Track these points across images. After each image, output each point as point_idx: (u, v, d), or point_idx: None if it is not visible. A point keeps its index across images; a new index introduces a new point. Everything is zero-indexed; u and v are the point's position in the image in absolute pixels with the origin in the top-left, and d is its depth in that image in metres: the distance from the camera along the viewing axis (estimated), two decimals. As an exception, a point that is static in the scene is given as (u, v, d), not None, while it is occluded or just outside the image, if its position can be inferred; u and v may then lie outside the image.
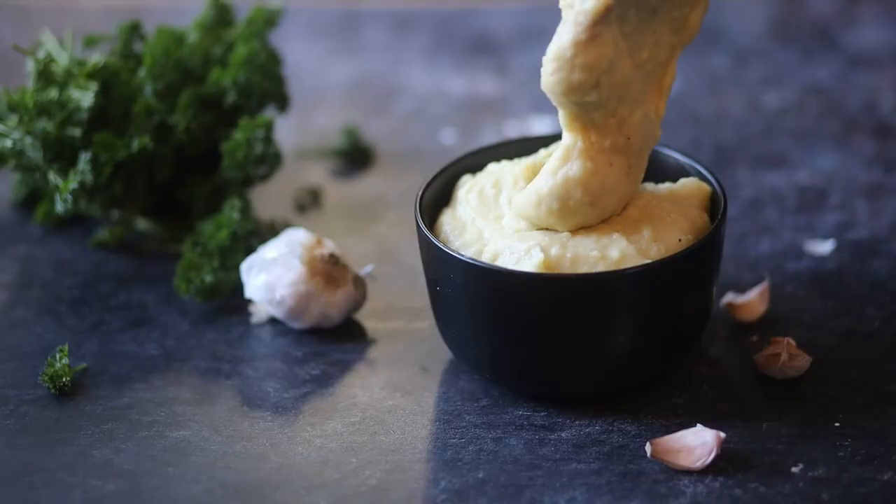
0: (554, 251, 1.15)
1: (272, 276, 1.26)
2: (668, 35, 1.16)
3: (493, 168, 1.24)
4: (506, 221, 1.18)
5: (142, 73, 1.38)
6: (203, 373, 1.24)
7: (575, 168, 1.15)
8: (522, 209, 1.17)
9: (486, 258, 1.16)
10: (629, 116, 1.15)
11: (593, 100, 1.13)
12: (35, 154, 1.32)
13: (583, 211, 1.16)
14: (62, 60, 1.35)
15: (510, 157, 1.26)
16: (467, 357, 1.20)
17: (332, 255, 1.28)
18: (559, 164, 1.16)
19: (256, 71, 1.38)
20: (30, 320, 1.30)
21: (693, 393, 1.20)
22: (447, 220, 1.21)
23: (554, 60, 1.12)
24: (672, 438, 1.14)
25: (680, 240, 1.17)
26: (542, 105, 1.60)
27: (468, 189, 1.22)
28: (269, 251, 1.28)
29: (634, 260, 1.15)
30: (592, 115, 1.14)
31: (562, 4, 1.13)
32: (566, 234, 1.16)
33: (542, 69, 1.13)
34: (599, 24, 1.11)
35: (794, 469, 1.13)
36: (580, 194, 1.15)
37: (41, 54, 1.35)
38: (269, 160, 1.35)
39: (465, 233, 1.19)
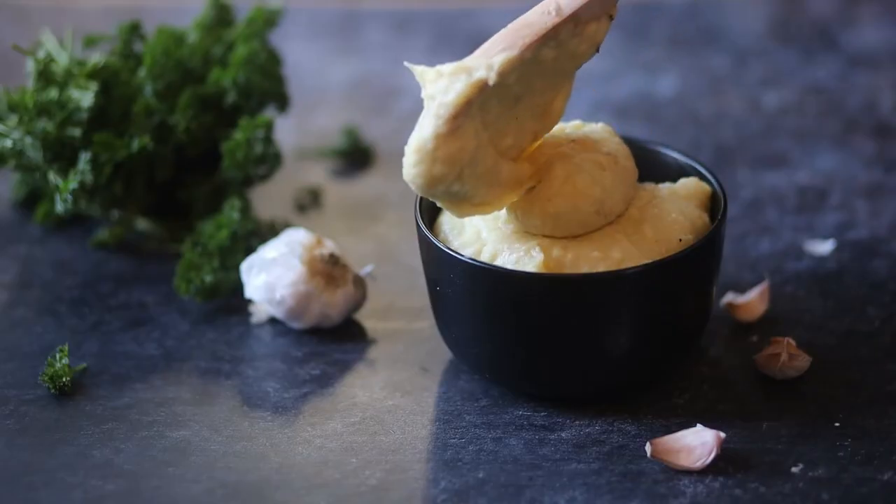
0: (555, 251, 1.15)
1: (272, 276, 1.26)
2: (531, 122, 1.16)
3: None
4: (502, 223, 1.18)
5: (142, 73, 1.38)
6: (203, 373, 1.24)
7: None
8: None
9: (484, 258, 1.16)
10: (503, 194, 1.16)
11: (457, 190, 1.13)
12: (35, 154, 1.32)
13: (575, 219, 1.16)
14: (62, 60, 1.35)
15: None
16: (467, 357, 1.20)
17: (332, 255, 1.28)
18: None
19: (256, 71, 1.38)
20: (30, 320, 1.30)
21: (693, 393, 1.20)
22: (446, 219, 1.21)
23: (415, 153, 1.12)
24: (672, 438, 1.14)
25: (680, 240, 1.17)
26: (542, 105, 1.60)
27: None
28: (269, 251, 1.28)
29: (635, 260, 1.15)
30: (466, 203, 1.15)
31: (424, 95, 1.12)
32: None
33: (404, 160, 1.13)
34: (461, 115, 1.11)
35: (794, 469, 1.13)
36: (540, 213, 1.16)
37: (41, 54, 1.35)
38: (269, 160, 1.35)
39: (464, 232, 1.19)
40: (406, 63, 1.14)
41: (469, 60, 1.11)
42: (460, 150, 1.11)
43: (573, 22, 1.12)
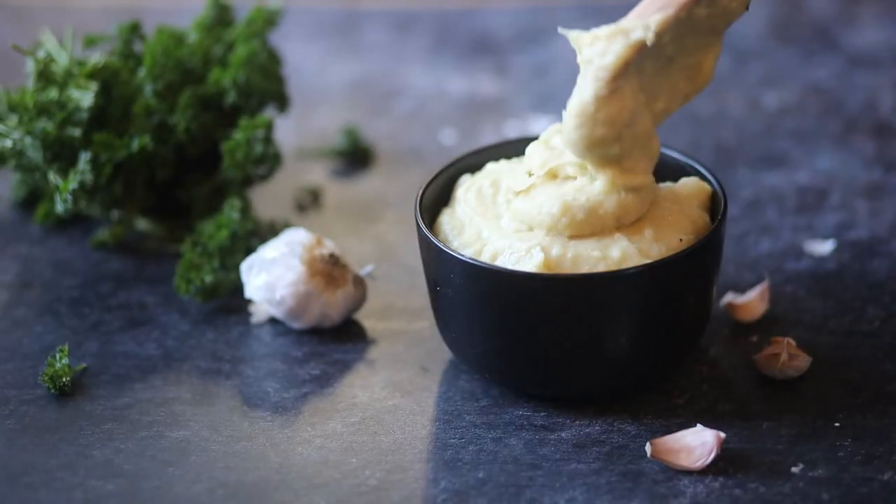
0: (555, 251, 1.15)
1: (272, 276, 1.26)
2: (683, 83, 1.17)
3: (491, 168, 1.24)
4: (504, 222, 1.18)
5: (142, 73, 1.38)
6: (203, 373, 1.24)
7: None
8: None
9: (485, 258, 1.16)
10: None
11: (615, 152, 1.14)
12: (35, 154, 1.32)
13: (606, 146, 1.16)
14: (62, 60, 1.35)
15: (510, 157, 1.26)
16: (467, 357, 1.20)
17: (332, 255, 1.28)
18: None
19: (256, 71, 1.38)
20: (30, 320, 1.30)
21: (693, 393, 1.20)
22: (446, 219, 1.21)
23: (576, 116, 1.13)
24: (672, 438, 1.14)
25: (681, 239, 1.17)
26: (541, 105, 1.60)
27: (466, 189, 1.22)
28: (269, 251, 1.28)
29: (636, 260, 1.15)
30: (617, 166, 1.16)
31: (580, 60, 1.13)
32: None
33: (564, 124, 1.14)
34: (619, 77, 1.12)
35: (794, 469, 1.13)
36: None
37: (41, 54, 1.35)
38: (269, 160, 1.35)
39: (464, 232, 1.19)
40: (560, 29, 1.15)
41: (625, 22, 1.12)
42: (620, 111, 1.13)
43: None
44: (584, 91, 1.13)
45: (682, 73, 1.17)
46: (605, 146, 1.14)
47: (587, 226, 1.15)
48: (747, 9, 1.16)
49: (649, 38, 1.11)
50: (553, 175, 1.18)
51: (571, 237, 1.16)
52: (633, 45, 1.12)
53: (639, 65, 1.13)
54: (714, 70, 1.18)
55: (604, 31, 1.12)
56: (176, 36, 1.39)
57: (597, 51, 1.12)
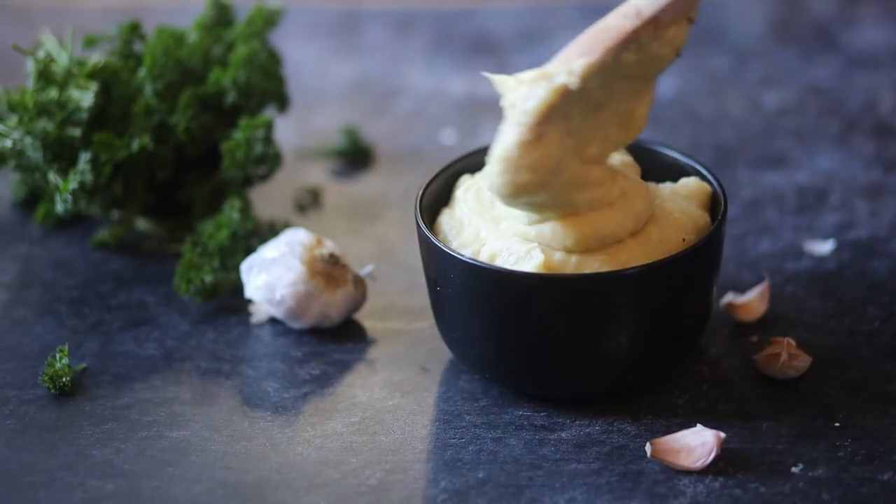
0: (557, 255, 1.15)
1: (272, 276, 1.26)
2: (615, 130, 1.16)
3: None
4: (504, 226, 1.18)
5: (142, 73, 1.38)
6: (203, 373, 1.24)
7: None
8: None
9: (484, 258, 1.16)
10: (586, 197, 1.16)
11: (541, 200, 1.13)
12: (35, 154, 1.32)
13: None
14: (62, 60, 1.35)
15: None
16: (467, 357, 1.20)
17: (332, 255, 1.28)
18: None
19: (256, 71, 1.38)
20: (30, 320, 1.30)
21: (693, 393, 1.20)
22: (446, 219, 1.21)
23: (500, 162, 1.11)
24: (672, 438, 1.14)
25: (684, 239, 1.17)
26: (542, 105, 1.59)
27: (465, 189, 1.22)
28: (269, 251, 1.28)
29: (640, 261, 1.15)
30: (549, 212, 1.14)
31: (504, 104, 1.11)
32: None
33: (488, 169, 1.12)
34: (543, 123, 1.10)
35: (794, 469, 1.13)
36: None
37: (41, 54, 1.35)
38: (269, 160, 1.35)
39: (463, 232, 1.19)
40: (484, 73, 1.13)
41: (549, 67, 1.11)
42: (545, 156, 1.11)
43: (653, 25, 1.12)
44: (507, 136, 1.10)
45: (613, 119, 1.15)
46: (529, 193, 1.12)
47: (603, 245, 1.15)
48: (679, 56, 1.14)
49: (573, 82, 1.10)
50: None
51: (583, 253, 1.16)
52: (557, 90, 1.10)
53: (565, 110, 1.11)
54: (647, 118, 1.16)
55: (528, 75, 1.11)
56: (176, 36, 1.39)
57: (520, 95, 1.10)
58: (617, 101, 1.14)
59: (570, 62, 1.10)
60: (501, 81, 1.12)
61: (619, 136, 1.16)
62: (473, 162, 1.26)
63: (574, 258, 1.15)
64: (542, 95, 1.10)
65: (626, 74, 1.13)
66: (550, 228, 1.15)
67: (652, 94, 1.16)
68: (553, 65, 1.11)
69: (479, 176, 1.24)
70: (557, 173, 1.12)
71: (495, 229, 1.18)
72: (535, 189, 1.12)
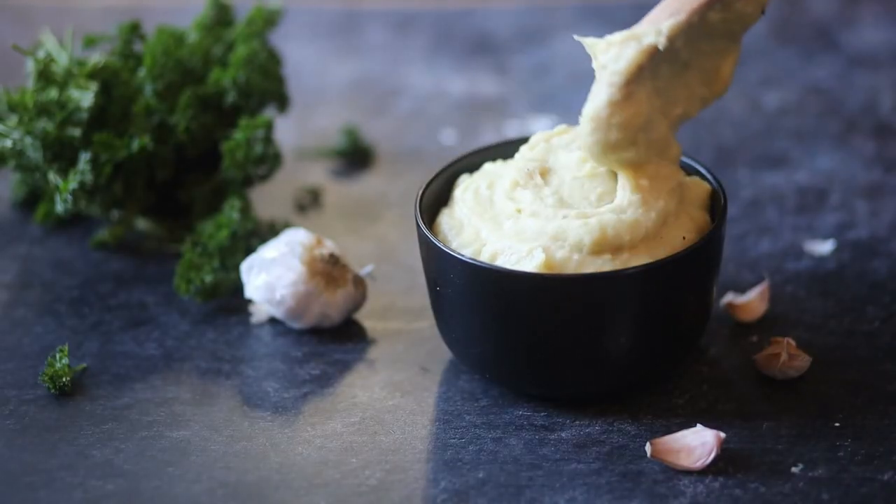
0: (560, 255, 1.15)
1: (272, 276, 1.26)
2: (701, 88, 1.19)
3: (488, 168, 1.24)
4: (506, 227, 1.17)
5: (142, 73, 1.38)
6: (203, 373, 1.24)
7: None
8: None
9: (484, 258, 1.16)
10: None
11: (631, 156, 1.16)
12: (35, 154, 1.32)
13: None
14: (62, 60, 1.35)
15: (510, 157, 1.26)
16: (467, 357, 1.20)
17: (332, 255, 1.28)
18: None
19: (256, 71, 1.38)
20: (30, 320, 1.30)
21: (693, 393, 1.20)
22: (445, 219, 1.21)
23: (591, 121, 1.15)
24: (672, 438, 1.14)
25: (684, 238, 1.17)
26: (541, 105, 1.60)
27: (464, 189, 1.22)
28: (269, 251, 1.28)
29: (642, 260, 1.15)
30: (639, 169, 1.17)
31: (595, 65, 1.15)
32: (572, 234, 1.15)
33: (580, 130, 1.16)
34: (633, 82, 1.14)
35: (794, 469, 1.13)
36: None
37: (41, 54, 1.35)
38: (269, 160, 1.35)
39: (463, 232, 1.19)
40: (575, 36, 1.16)
41: (638, 28, 1.14)
42: (635, 115, 1.14)
43: None
44: (598, 96, 1.14)
45: (699, 77, 1.18)
46: (620, 150, 1.15)
47: (616, 245, 1.16)
48: (763, 13, 1.17)
49: (661, 42, 1.13)
50: (544, 173, 1.19)
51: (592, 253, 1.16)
52: (646, 50, 1.13)
53: (653, 70, 1.14)
54: (733, 74, 1.19)
55: (617, 36, 1.14)
56: (176, 36, 1.39)
57: (610, 56, 1.14)
58: (703, 59, 1.17)
59: (658, 23, 1.14)
60: (592, 43, 1.15)
61: (705, 94, 1.19)
62: (473, 162, 1.26)
63: (576, 257, 1.15)
64: (631, 55, 1.13)
65: (711, 33, 1.16)
66: (577, 227, 1.15)
67: (738, 51, 1.19)
68: (641, 26, 1.14)
69: (477, 175, 1.24)
70: (647, 131, 1.15)
71: (496, 230, 1.18)
72: (625, 146, 1.15)
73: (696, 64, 1.17)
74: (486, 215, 1.19)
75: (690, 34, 1.14)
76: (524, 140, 1.26)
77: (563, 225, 1.15)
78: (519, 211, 1.17)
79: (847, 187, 1.44)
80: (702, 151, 1.50)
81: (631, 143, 1.15)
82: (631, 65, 1.13)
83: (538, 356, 1.16)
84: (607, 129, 1.15)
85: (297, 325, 1.27)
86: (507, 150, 1.27)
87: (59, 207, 1.32)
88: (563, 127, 1.24)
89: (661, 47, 1.13)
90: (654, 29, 1.13)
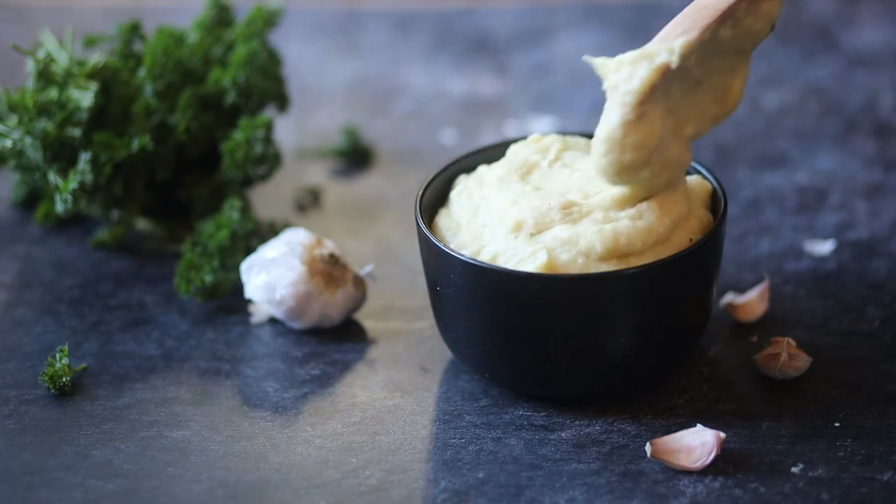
0: (564, 257, 1.15)
1: (272, 276, 1.26)
2: (712, 106, 1.18)
3: (482, 170, 1.24)
4: (504, 228, 1.17)
5: (142, 73, 1.38)
6: (203, 373, 1.24)
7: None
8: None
9: (484, 258, 1.16)
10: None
11: (645, 177, 1.15)
12: (35, 154, 1.32)
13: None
14: (62, 60, 1.35)
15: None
16: (467, 357, 1.20)
17: (332, 255, 1.28)
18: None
19: (256, 71, 1.38)
20: (30, 320, 1.30)
21: (693, 393, 1.20)
22: (443, 220, 1.21)
23: (604, 142, 1.14)
24: (672, 438, 1.14)
25: (691, 239, 1.17)
26: (541, 105, 1.60)
27: (459, 191, 1.22)
28: (269, 251, 1.28)
29: (645, 258, 1.14)
30: (654, 189, 1.17)
31: (606, 86, 1.14)
32: (576, 234, 1.15)
33: (593, 151, 1.15)
34: (646, 102, 1.13)
35: (794, 469, 1.13)
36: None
37: (41, 54, 1.36)
38: (269, 160, 1.35)
39: (460, 233, 1.19)
40: (585, 57, 1.15)
41: (649, 47, 1.13)
42: (648, 136, 1.13)
43: (747, 0, 1.14)
44: (611, 117, 1.13)
45: (710, 95, 1.17)
46: (634, 171, 1.14)
47: (627, 252, 1.16)
48: (773, 29, 1.16)
49: (674, 61, 1.12)
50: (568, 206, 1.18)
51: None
52: (658, 69, 1.12)
53: (665, 89, 1.14)
54: (743, 90, 1.19)
55: (628, 56, 1.13)
56: (176, 36, 1.39)
57: (622, 76, 1.13)
58: (714, 77, 1.17)
59: (670, 41, 1.13)
60: (602, 64, 1.14)
61: (716, 111, 1.18)
62: (473, 162, 1.26)
63: (581, 260, 1.15)
64: (643, 75, 1.12)
65: (722, 50, 1.15)
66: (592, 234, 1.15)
67: (748, 67, 1.18)
68: (653, 45, 1.13)
69: (472, 176, 1.24)
70: (660, 152, 1.15)
71: (498, 232, 1.17)
72: (639, 167, 1.15)
73: (708, 82, 1.16)
74: (479, 219, 1.19)
75: (702, 52, 1.14)
76: (523, 140, 1.26)
77: (577, 231, 1.15)
78: (519, 227, 1.17)
79: (847, 187, 1.44)
80: (702, 151, 1.50)
81: (645, 163, 1.14)
82: (644, 84, 1.12)
83: (538, 356, 1.16)
84: (621, 150, 1.13)
85: (297, 325, 1.27)
86: (505, 150, 1.27)
87: (59, 207, 1.32)
88: (536, 136, 1.23)
89: (673, 66, 1.12)
90: (667, 47, 1.12)
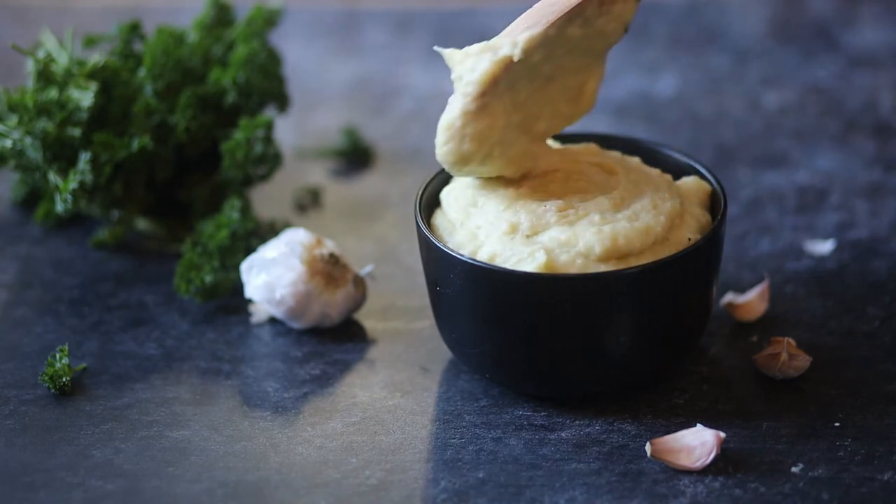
0: (563, 258, 1.15)
1: (272, 275, 1.26)
2: (565, 105, 1.18)
3: None
4: (502, 228, 1.17)
5: (142, 73, 1.38)
6: (203, 373, 1.24)
7: None
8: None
9: (482, 258, 1.16)
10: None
11: (486, 170, 1.16)
12: (35, 154, 1.32)
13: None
14: (62, 60, 1.35)
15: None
16: (467, 357, 1.20)
17: (332, 255, 1.28)
18: None
19: (256, 71, 1.38)
20: (30, 320, 1.30)
21: (693, 393, 1.20)
22: (440, 220, 1.21)
23: (445, 131, 1.15)
24: (672, 438, 1.14)
25: (689, 239, 1.17)
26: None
27: (447, 191, 1.22)
28: (269, 251, 1.28)
29: (645, 259, 1.14)
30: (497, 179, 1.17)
31: (453, 77, 1.15)
32: (575, 235, 1.15)
33: (436, 139, 1.15)
34: (487, 93, 1.13)
35: (794, 469, 1.13)
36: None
37: (41, 54, 1.36)
38: (269, 160, 1.35)
39: (456, 233, 1.19)
40: (436, 48, 1.16)
41: (495, 40, 1.14)
42: (489, 127, 1.14)
43: (598, 1, 1.14)
44: (453, 106, 1.14)
45: (563, 93, 1.18)
46: (473, 163, 1.15)
47: (626, 253, 1.16)
48: (626, 31, 1.17)
49: (516, 54, 1.13)
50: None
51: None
52: (500, 62, 1.13)
53: (511, 83, 1.14)
54: (597, 93, 1.19)
55: (474, 48, 1.14)
56: (176, 36, 1.39)
57: (466, 67, 1.14)
58: (566, 76, 1.17)
59: (515, 35, 1.13)
60: (450, 55, 1.15)
61: (569, 111, 1.19)
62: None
63: (580, 261, 1.14)
64: (485, 67, 1.13)
65: (573, 49, 1.16)
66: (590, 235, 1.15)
67: (602, 69, 1.19)
68: (499, 38, 1.14)
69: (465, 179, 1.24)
70: (503, 145, 1.15)
71: (497, 231, 1.17)
72: (480, 159, 1.15)
73: (560, 80, 1.17)
74: (473, 219, 1.19)
75: (550, 48, 1.14)
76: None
77: (574, 232, 1.15)
78: (515, 229, 1.17)
79: (847, 187, 1.44)
80: (702, 151, 1.50)
81: (486, 156, 1.15)
82: (485, 76, 1.13)
83: (538, 356, 1.16)
84: (460, 139, 1.14)
85: (297, 325, 1.27)
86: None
87: (59, 207, 1.32)
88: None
89: (516, 59, 1.13)
90: (510, 41, 1.13)
